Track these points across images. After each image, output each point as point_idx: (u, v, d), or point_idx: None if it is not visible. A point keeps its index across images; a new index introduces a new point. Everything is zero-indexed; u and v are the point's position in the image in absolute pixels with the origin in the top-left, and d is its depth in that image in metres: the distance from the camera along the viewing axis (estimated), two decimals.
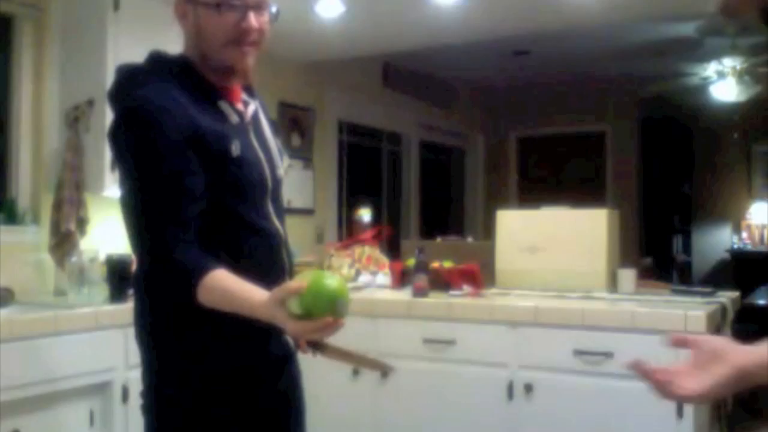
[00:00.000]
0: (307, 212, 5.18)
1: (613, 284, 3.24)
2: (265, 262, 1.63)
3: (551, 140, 7.91)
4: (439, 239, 3.95)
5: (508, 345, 2.92)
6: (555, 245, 3.30)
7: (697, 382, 0.96)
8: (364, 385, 3.13)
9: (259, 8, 1.61)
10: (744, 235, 8.51)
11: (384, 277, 3.71)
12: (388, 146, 6.63)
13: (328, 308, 1.33)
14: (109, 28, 3.29)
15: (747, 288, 5.01)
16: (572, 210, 3.43)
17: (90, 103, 3.28)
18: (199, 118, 1.55)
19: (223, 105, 1.63)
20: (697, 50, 6.08)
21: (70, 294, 2.99)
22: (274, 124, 1.83)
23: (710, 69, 6.40)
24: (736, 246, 8.50)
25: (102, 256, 3.09)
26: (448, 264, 3.40)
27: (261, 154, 1.66)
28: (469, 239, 4.36)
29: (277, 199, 1.71)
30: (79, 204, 3.26)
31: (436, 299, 3.14)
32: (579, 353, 2.76)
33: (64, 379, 2.62)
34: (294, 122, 5.14)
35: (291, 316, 1.35)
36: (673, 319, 2.64)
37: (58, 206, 3.23)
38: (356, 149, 6.09)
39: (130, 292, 2.73)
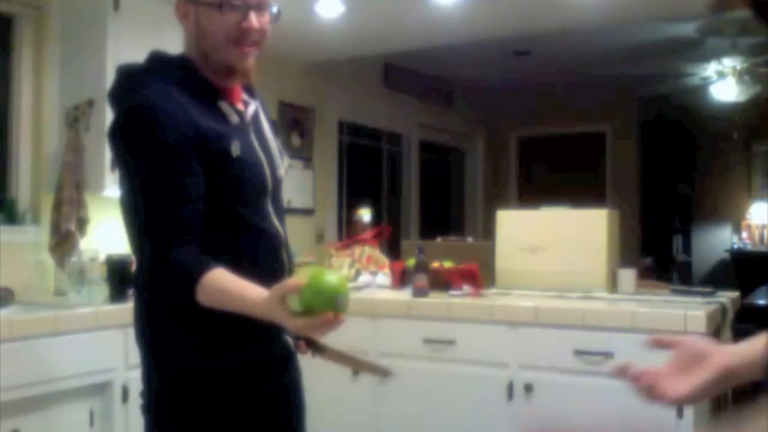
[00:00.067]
0: (307, 212, 5.18)
1: (613, 284, 3.24)
2: (265, 262, 1.63)
3: (551, 140, 7.91)
4: (439, 239, 3.95)
5: (508, 345, 2.92)
6: (555, 245, 3.30)
7: (683, 384, 0.96)
8: (364, 385, 3.13)
9: (260, 8, 1.61)
10: (744, 235, 8.51)
11: (384, 277, 3.71)
12: (388, 146, 6.63)
13: (328, 304, 1.33)
14: (109, 28, 3.29)
15: (747, 288, 5.02)
16: (572, 210, 3.43)
17: (90, 103, 3.28)
18: (200, 118, 1.55)
19: (224, 105, 1.63)
20: (697, 50, 6.08)
21: (70, 294, 2.99)
22: (274, 125, 1.83)
23: (710, 69, 6.41)
24: (736, 246, 8.50)
25: (102, 256, 3.09)
26: (448, 264, 3.40)
27: (261, 155, 1.66)
28: (469, 239, 4.36)
29: (277, 200, 1.71)
30: (79, 204, 3.26)
31: (436, 299, 3.14)
32: (579, 353, 2.76)
33: (64, 379, 2.62)
34: (294, 122, 5.14)
35: (291, 313, 1.35)
36: (673, 319, 2.64)
37: (58, 206, 3.23)
38: (356, 149, 6.09)
39: (130, 292, 2.73)
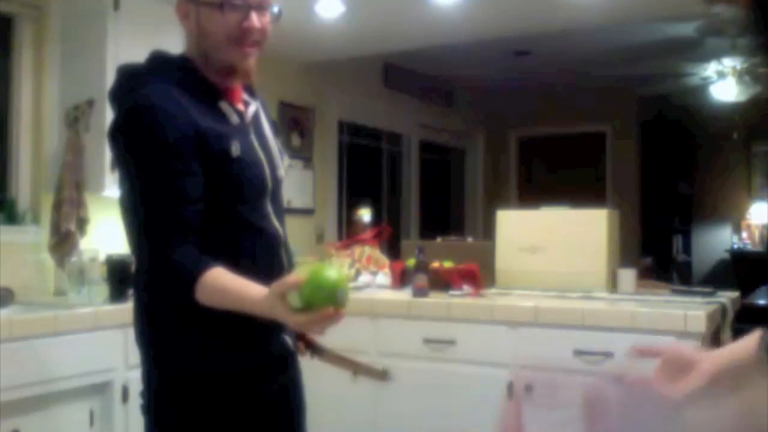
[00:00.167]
0: (307, 212, 5.18)
1: (613, 284, 3.24)
2: (265, 262, 1.63)
3: (551, 140, 7.91)
4: (439, 239, 3.95)
5: (508, 345, 2.92)
6: (555, 245, 3.30)
7: (674, 391, 0.97)
8: (364, 385, 3.13)
9: (261, 8, 1.61)
10: (744, 235, 8.51)
11: (384, 277, 3.71)
12: (388, 146, 6.63)
13: (328, 299, 1.33)
14: (109, 28, 3.29)
15: (747, 288, 5.02)
16: (572, 210, 3.43)
17: (90, 103, 3.28)
18: (200, 118, 1.55)
19: (224, 105, 1.63)
20: (697, 50, 6.08)
21: (70, 294, 2.99)
22: (274, 125, 1.83)
23: (710, 69, 6.41)
24: (736, 246, 8.50)
25: (102, 256, 3.09)
26: (448, 264, 3.40)
27: (261, 155, 1.66)
28: (469, 239, 4.36)
29: (276, 200, 1.71)
30: (79, 204, 3.26)
31: (436, 299, 3.14)
32: (579, 353, 2.76)
33: (64, 379, 2.62)
34: (294, 122, 5.14)
35: (291, 310, 1.35)
36: (673, 319, 2.63)
37: (58, 206, 3.23)
38: (356, 149, 6.09)
39: (130, 292, 2.73)
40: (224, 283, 1.46)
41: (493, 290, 3.33)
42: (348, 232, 5.38)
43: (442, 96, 7.06)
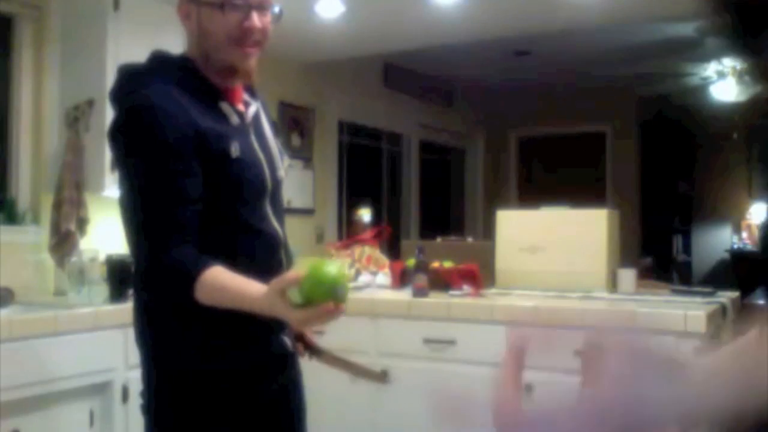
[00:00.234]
0: (307, 212, 5.18)
1: (613, 284, 3.24)
2: (264, 263, 1.63)
3: (551, 140, 7.91)
4: (439, 239, 3.95)
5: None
6: (555, 245, 3.30)
7: None
8: (364, 386, 3.13)
9: (262, 8, 1.61)
10: (744, 235, 8.51)
11: (384, 277, 3.71)
12: (388, 146, 6.63)
13: (328, 294, 1.33)
14: (109, 28, 3.29)
15: (747, 288, 5.01)
16: (572, 210, 3.43)
17: (90, 103, 3.28)
18: (200, 118, 1.55)
19: (224, 106, 1.63)
20: (697, 50, 6.08)
21: (70, 294, 2.99)
22: (275, 125, 1.83)
23: (710, 69, 6.41)
24: (736, 246, 8.50)
25: (102, 256, 3.09)
26: (448, 264, 3.40)
27: (261, 156, 1.66)
28: (469, 239, 4.36)
29: (276, 201, 1.71)
30: (79, 204, 3.26)
31: (436, 299, 3.14)
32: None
33: (63, 379, 2.62)
34: (294, 122, 5.14)
35: (292, 306, 1.35)
36: (673, 319, 2.63)
37: (58, 206, 3.23)
38: (356, 149, 6.09)
39: (130, 292, 2.73)
40: (224, 282, 1.46)
41: (493, 290, 3.33)
42: (348, 232, 5.38)
43: (442, 96, 7.06)
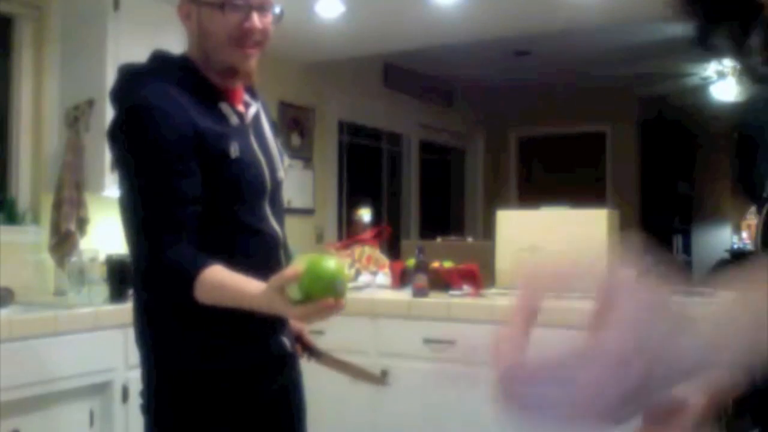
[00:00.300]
0: (307, 212, 5.18)
1: None
2: (262, 263, 1.62)
3: (551, 140, 7.91)
4: (439, 239, 3.95)
5: None
6: (555, 245, 3.30)
7: None
8: (364, 386, 3.12)
9: (262, 9, 1.61)
10: (744, 235, 8.51)
11: (384, 277, 3.71)
12: (388, 146, 6.63)
13: (327, 289, 1.33)
14: (109, 28, 3.29)
15: None
16: (572, 210, 3.43)
17: (90, 103, 3.28)
18: (199, 119, 1.55)
19: (224, 106, 1.63)
20: (697, 50, 6.07)
21: (70, 294, 2.99)
22: (275, 126, 1.83)
23: (710, 69, 6.41)
24: (736, 246, 8.50)
25: (102, 256, 3.09)
26: (448, 264, 3.40)
27: (260, 156, 1.66)
28: (469, 239, 4.36)
29: (276, 201, 1.70)
30: (79, 204, 3.26)
31: (436, 299, 3.14)
32: None
33: (63, 379, 2.62)
34: (294, 122, 5.14)
35: (291, 302, 1.35)
36: None
37: (58, 206, 3.23)
38: (356, 149, 6.09)
39: (130, 292, 2.73)
40: (222, 280, 1.46)
41: (493, 290, 3.33)
42: (348, 232, 5.38)
43: (442, 96, 7.06)
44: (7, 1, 3.33)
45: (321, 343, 1.88)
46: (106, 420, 2.77)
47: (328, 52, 4.86)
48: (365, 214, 4.51)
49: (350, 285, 3.39)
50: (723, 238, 8.69)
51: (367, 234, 4.07)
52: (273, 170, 1.69)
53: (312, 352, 1.83)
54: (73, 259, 3.07)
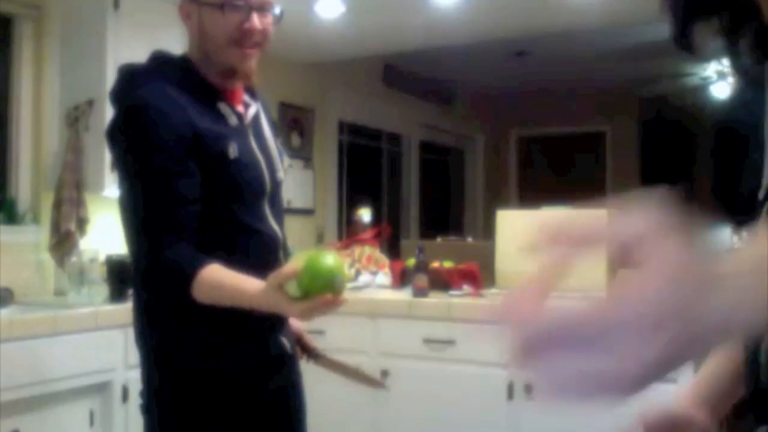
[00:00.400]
0: (307, 212, 5.18)
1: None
2: (262, 263, 1.62)
3: (551, 140, 7.91)
4: (439, 239, 3.95)
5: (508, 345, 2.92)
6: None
7: None
8: (364, 386, 3.13)
9: (262, 9, 1.61)
10: (744, 235, 8.51)
11: (384, 277, 3.71)
12: (388, 146, 6.63)
13: (326, 286, 1.33)
14: (109, 28, 3.29)
15: None
16: (572, 210, 3.42)
17: (90, 103, 3.28)
18: (198, 119, 1.55)
19: (223, 107, 1.63)
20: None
21: (70, 294, 3.00)
22: (275, 126, 1.83)
23: (710, 69, 6.40)
24: (736, 246, 8.50)
25: (102, 256, 3.09)
26: (448, 264, 3.40)
27: (260, 157, 1.66)
28: (469, 239, 4.36)
29: (275, 202, 1.70)
30: (79, 204, 3.26)
31: (436, 299, 3.14)
32: None
33: (64, 379, 2.62)
34: (294, 122, 5.14)
35: (290, 299, 1.35)
36: None
37: (58, 206, 3.23)
38: (356, 149, 6.09)
39: (130, 292, 2.73)
40: (221, 279, 1.47)
41: (493, 290, 3.33)
42: (348, 232, 5.38)
43: (443, 96, 7.05)
44: (7, 0, 3.33)
45: (321, 343, 1.88)
46: (106, 420, 2.77)
47: (328, 52, 4.86)
48: (365, 214, 4.51)
49: (350, 285, 3.39)
50: (723, 238, 8.69)
51: (367, 234, 4.07)
52: (272, 171, 1.69)
53: (312, 354, 1.83)
54: (73, 259, 3.07)
